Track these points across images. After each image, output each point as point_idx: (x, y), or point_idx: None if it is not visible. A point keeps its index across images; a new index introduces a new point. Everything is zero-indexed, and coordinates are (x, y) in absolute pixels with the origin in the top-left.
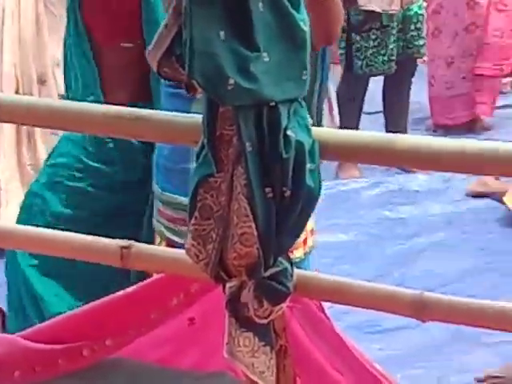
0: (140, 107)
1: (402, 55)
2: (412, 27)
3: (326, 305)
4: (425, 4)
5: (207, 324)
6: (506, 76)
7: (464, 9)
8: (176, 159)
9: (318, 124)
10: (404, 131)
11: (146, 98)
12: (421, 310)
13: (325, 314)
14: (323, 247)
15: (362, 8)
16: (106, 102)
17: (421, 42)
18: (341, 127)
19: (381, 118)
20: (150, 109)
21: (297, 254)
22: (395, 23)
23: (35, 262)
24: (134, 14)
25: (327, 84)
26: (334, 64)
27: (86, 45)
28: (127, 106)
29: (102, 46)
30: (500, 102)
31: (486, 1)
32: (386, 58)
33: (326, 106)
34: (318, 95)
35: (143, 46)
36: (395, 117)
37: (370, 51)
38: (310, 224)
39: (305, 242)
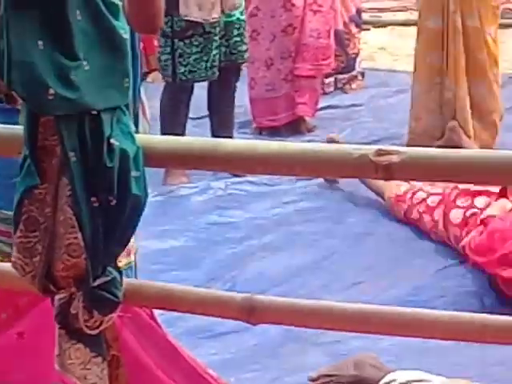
0: None
1: (226, 61)
2: (235, 33)
3: (158, 311)
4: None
5: (37, 338)
6: (327, 76)
7: (281, 11)
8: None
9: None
10: (231, 135)
11: None
12: (251, 313)
13: (156, 322)
14: (154, 254)
15: (183, 18)
16: None
17: (244, 48)
18: (166, 134)
19: (207, 122)
20: None
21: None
22: (217, 30)
23: None
24: None
25: (140, 87)
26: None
27: None
28: None
29: None
30: (324, 102)
31: (302, 2)
32: (208, 65)
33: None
34: (134, 100)
35: None
36: (221, 121)
37: (193, 57)
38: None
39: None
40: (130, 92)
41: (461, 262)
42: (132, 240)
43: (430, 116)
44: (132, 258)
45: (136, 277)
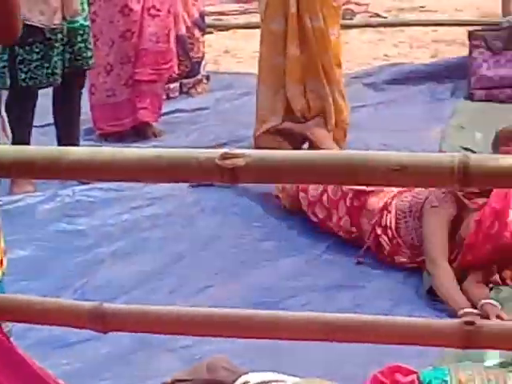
0: None
1: (71, 67)
2: (79, 39)
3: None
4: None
5: None
6: (172, 81)
7: (118, 16)
8: None
9: None
10: (77, 143)
11: None
12: (100, 321)
13: (2, 333)
14: None
15: (25, 22)
16: None
17: (89, 54)
18: (13, 143)
19: (53, 130)
20: None
21: None
22: (59, 36)
23: None
24: None
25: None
26: None
27: None
28: None
29: None
30: (169, 107)
31: (140, 7)
32: (50, 71)
33: None
34: None
35: None
36: (66, 129)
37: (34, 64)
38: (1, 244)
39: (0, 263)
40: None
41: (307, 261)
42: (1, 254)
43: (275, 118)
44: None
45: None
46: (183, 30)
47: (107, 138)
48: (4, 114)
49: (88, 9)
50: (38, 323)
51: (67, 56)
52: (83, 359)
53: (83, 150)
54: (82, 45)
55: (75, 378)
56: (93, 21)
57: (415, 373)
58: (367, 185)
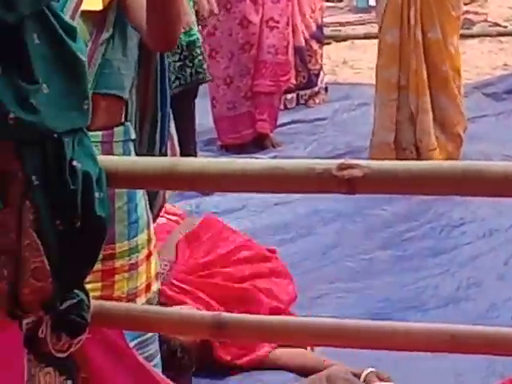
0: None
1: (192, 82)
2: (198, 52)
3: None
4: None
5: (6, 363)
6: (289, 92)
7: (237, 29)
8: None
9: (161, 153)
10: (193, 153)
11: None
12: (219, 330)
13: (126, 343)
14: None
15: None
16: None
17: (205, 66)
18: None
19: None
20: None
21: (139, 301)
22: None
23: None
24: None
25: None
26: None
27: None
28: None
29: None
30: (287, 117)
31: (258, 20)
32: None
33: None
34: (162, 121)
35: None
36: (182, 139)
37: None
38: (155, 269)
39: (148, 287)
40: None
41: (424, 274)
42: (151, 279)
43: (384, 132)
44: (149, 296)
45: None
46: (301, 42)
47: (228, 149)
48: (174, 131)
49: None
50: (158, 331)
51: (188, 70)
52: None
53: (198, 161)
54: (201, 57)
55: None
56: (212, 34)
57: None
58: (484, 195)
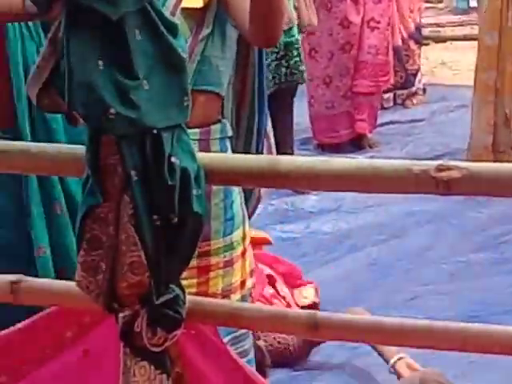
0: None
1: (286, 82)
2: (295, 53)
3: None
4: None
5: (102, 355)
6: (386, 92)
7: (338, 29)
8: None
9: (258, 151)
10: (291, 151)
11: (5, 125)
12: (314, 329)
13: (220, 339)
14: None
15: None
16: None
17: (303, 68)
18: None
19: None
20: (14, 134)
21: (234, 297)
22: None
23: None
24: None
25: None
26: None
27: None
28: None
29: None
30: (384, 118)
31: (359, 20)
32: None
33: None
34: (259, 119)
35: (7, 78)
36: (280, 138)
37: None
38: (250, 265)
39: (242, 284)
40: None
41: None
42: (246, 275)
43: (481, 134)
44: (244, 292)
45: None
46: (399, 42)
47: (324, 148)
48: (270, 130)
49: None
50: (253, 329)
51: (283, 70)
52: (297, 367)
53: (297, 159)
54: (298, 59)
55: None
56: (311, 33)
57: None
58: None
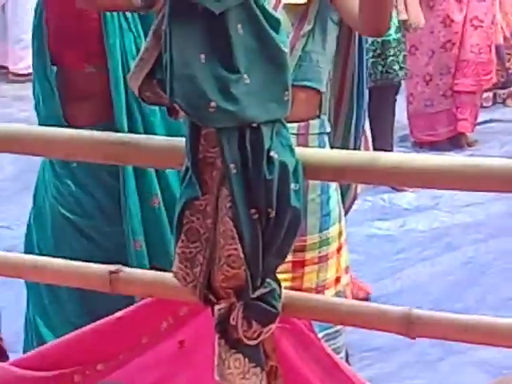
0: (99, 128)
1: (382, 79)
2: (391, 52)
3: None
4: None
5: (197, 347)
6: (486, 90)
7: (440, 27)
8: None
9: (355, 147)
10: (390, 148)
11: (104, 119)
12: (408, 326)
13: (315, 334)
14: None
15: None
16: (68, 125)
17: (398, 67)
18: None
19: None
20: (109, 128)
21: (328, 293)
22: (372, 47)
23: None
24: (95, 38)
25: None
26: None
27: (48, 68)
28: (88, 128)
29: (65, 71)
30: (483, 116)
31: (462, 18)
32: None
33: None
34: (357, 115)
35: (104, 70)
36: (379, 135)
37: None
38: (345, 262)
39: (337, 280)
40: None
41: None
42: (341, 272)
43: None
44: (339, 288)
45: None
46: (500, 40)
47: (422, 146)
48: (367, 127)
49: (399, 21)
50: (347, 325)
51: (379, 68)
52: (389, 364)
53: (396, 156)
54: (393, 58)
55: (383, 382)
56: (413, 30)
57: None
58: None
